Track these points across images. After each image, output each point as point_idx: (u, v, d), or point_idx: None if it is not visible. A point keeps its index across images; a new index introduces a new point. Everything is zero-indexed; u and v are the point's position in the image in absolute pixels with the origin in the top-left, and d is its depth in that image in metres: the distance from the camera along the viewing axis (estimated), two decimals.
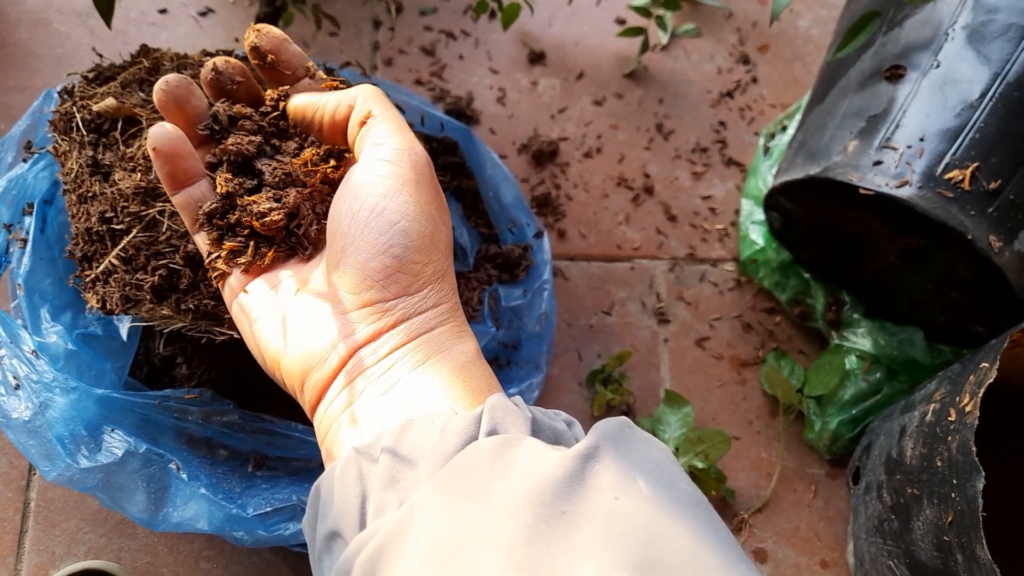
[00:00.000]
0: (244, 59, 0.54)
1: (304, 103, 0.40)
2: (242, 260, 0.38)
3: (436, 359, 0.33)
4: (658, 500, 0.26)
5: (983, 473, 0.49)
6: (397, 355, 0.33)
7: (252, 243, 0.38)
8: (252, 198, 0.39)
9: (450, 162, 0.72)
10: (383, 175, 0.35)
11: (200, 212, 0.39)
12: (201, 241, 0.40)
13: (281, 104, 0.41)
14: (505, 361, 0.69)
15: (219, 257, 0.39)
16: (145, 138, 0.48)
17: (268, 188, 0.39)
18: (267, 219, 0.38)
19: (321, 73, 0.42)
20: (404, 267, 0.34)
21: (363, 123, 0.37)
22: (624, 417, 0.30)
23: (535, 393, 0.68)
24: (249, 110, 0.41)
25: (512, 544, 0.24)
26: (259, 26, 0.40)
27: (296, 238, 0.39)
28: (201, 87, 0.41)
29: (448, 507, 0.26)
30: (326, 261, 0.36)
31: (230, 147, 0.39)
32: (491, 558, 0.24)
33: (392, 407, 0.32)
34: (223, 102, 0.41)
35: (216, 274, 0.39)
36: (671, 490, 0.27)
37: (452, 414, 0.30)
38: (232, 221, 0.39)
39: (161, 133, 0.38)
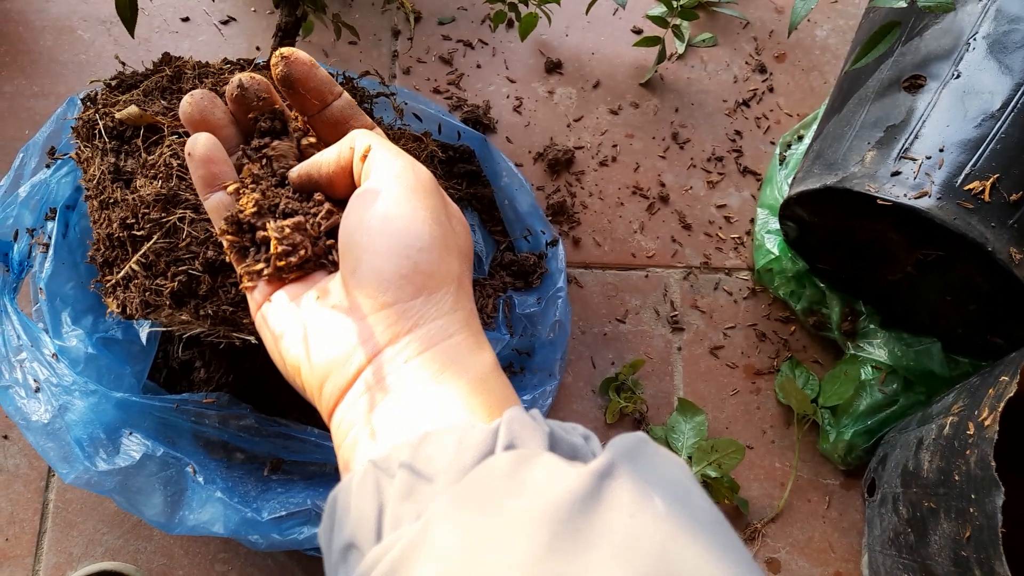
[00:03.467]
0: (266, 68, 0.55)
1: (307, 168, 0.41)
2: (266, 272, 0.39)
3: (454, 370, 0.33)
4: (674, 518, 0.26)
5: (1003, 488, 0.48)
6: (416, 363, 0.33)
7: (274, 260, 0.39)
8: (275, 226, 0.38)
9: (466, 170, 0.72)
10: (390, 185, 0.36)
11: (222, 219, 0.40)
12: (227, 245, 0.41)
13: (307, 138, 0.42)
14: (519, 368, 0.69)
15: (244, 275, 0.39)
16: (167, 146, 0.49)
17: (293, 214, 0.39)
18: (291, 259, 0.38)
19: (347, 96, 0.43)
20: (418, 267, 0.35)
21: (364, 157, 0.38)
22: (641, 432, 0.30)
23: (548, 400, 0.68)
24: (289, 123, 0.42)
25: (527, 561, 0.24)
26: (286, 51, 0.40)
27: (325, 257, 0.39)
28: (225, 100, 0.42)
29: (464, 522, 0.26)
30: (341, 273, 0.37)
31: (275, 165, 0.40)
32: (506, 574, 0.24)
33: (411, 419, 0.32)
34: (263, 116, 0.42)
35: (242, 286, 0.40)
36: (688, 508, 0.27)
37: (469, 427, 0.30)
38: (257, 239, 0.39)
39: (197, 140, 0.39)
